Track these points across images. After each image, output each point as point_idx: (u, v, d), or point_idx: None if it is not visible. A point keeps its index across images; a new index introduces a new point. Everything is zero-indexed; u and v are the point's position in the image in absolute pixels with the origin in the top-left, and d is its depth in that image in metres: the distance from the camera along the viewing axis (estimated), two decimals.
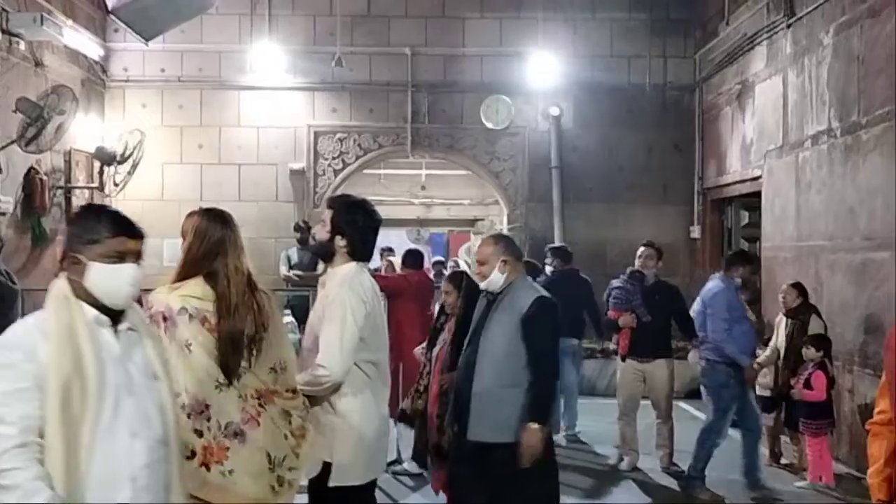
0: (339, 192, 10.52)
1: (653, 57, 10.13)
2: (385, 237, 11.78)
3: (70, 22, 8.59)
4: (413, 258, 7.04)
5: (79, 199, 9.07)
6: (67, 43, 8.51)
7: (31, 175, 7.99)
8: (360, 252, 3.22)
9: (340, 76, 9.86)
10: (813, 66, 7.00)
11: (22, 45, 7.74)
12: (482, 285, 3.73)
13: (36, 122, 7.43)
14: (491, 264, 3.64)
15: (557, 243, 8.74)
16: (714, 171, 9.70)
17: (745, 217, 9.43)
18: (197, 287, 2.79)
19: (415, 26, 10.13)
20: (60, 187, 8.73)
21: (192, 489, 2.47)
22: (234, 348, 2.71)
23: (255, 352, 2.75)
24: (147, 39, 5.71)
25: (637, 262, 6.36)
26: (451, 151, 10.33)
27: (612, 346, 6.52)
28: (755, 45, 8.29)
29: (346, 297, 3.07)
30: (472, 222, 13.68)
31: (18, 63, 7.81)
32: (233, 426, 2.66)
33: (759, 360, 6.14)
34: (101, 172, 9.34)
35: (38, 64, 8.20)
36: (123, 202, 9.36)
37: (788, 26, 7.48)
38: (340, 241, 3.17)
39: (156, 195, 9.82)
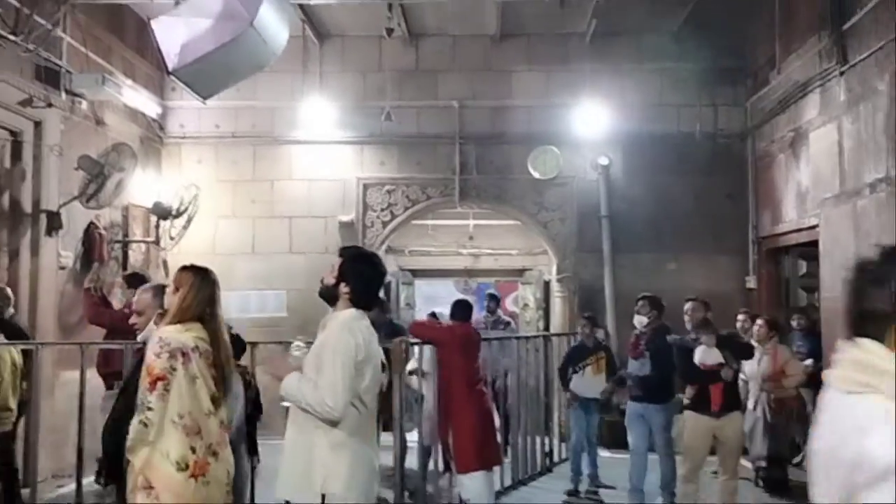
0: (384, 244, 10.61)
1: (702, 105, 10.07)
2: (432, 287, 11.85)
3: (130, 81, 8.90)
4: (461, 310, 6.94)
5: (135, 253, 9.30)
6: (127, 102, 8.80)
7: (90, 230, 8.22)
8: (362, 300, 3.51)
9: (389, 129, 10.00)
10: (868, 113, 6.87)
11: (84, 105, 8.04)
12: None
13: (96, 178, 7.67)
14: None
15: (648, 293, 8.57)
16: (769, 219, 9.52)
17: (803, 266, 9.21)
18: (202, 330, 3.43)
19: (462, 80, 10.27)
20: (118, 241, 8.96)
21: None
22: (224, 383, 3.47)
23: (225, 387, 3.48)
24: (205, 98, 5.87)
25: (685, 317, 6.37)
26: (499, 202, 10.35)
27: (685, 398, 6.37)
28: (808, 92, 8.18)
29: (347, 339, 3.34)
30: (521, 272, 13.60)
31: (80, 122, 8.11)
32: (213, 446, 3.35)
33: None
34: (157, 226, 9.57)
35: (99, 122, 8.49)
36: (178, 255, 9.56)
37: (841, 73, 7.38)
38: (344, 288, 3.46)
39: (209, 249, 10.00)
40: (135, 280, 6.66)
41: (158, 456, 3.21)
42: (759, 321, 7.52)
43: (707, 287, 8.97)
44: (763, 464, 7.46)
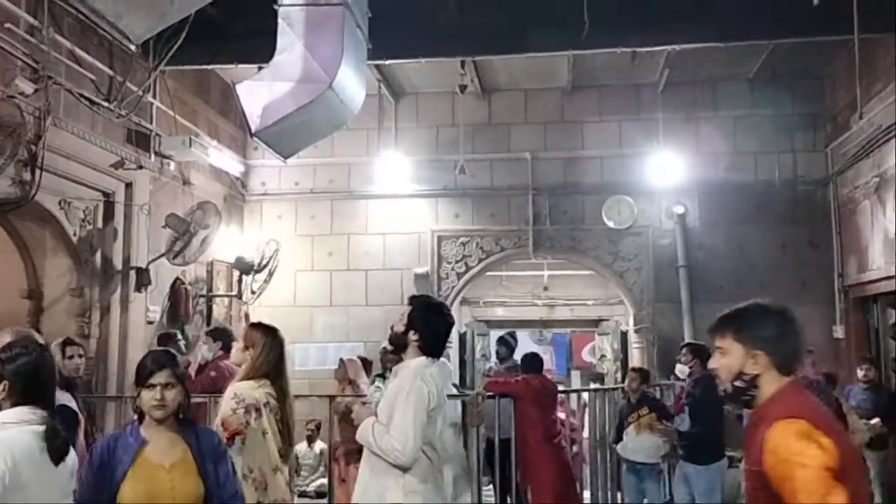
0: (459, 295, 10.65)
1: (780, 152, 9.88)
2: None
3: (215, 142, 9.29)
4: (531, 363, 6.92)
5: (219, 308, 9.59)
6: (212, 162, 9.18)
7: (176, 285, 8.54)
8: (431, 347, 3.58)
9: (462, 182, 10.12)
10: None
11: (172, 166, 8.42)
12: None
13: (183, 236, 7.98)
14: None
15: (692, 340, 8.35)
16: (855, 267, 9.19)
17: (893, 315, 8.83)
18: (272, 387, 3.66)
19: (534, 132, 10.35)
20: (203, 296, 9.26)
21: None
22: (290, 439, 3.67)
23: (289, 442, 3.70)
24: (286, 157, 6.08)
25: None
26: (574, 252, 10.30)
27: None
28: (891, 136, 7.95)
29: (419, 386, 3.41)
30: (597, 322, 13.43)
31: (168, 182, 8.48)
32: (278, 502, 3.55)
33: None
34: (239, 281, 9.87)
35: (186, 182, 8.87)
36: (259, 309, 9.81)
37: None
38: (413, 336, 3.55)
39: (289, 301, 10.23)
40: (218, 334, 6.87)
41: None
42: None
43: None
44: None
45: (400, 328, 3.60)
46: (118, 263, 7.68)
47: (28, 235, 7.13)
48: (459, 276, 10.32)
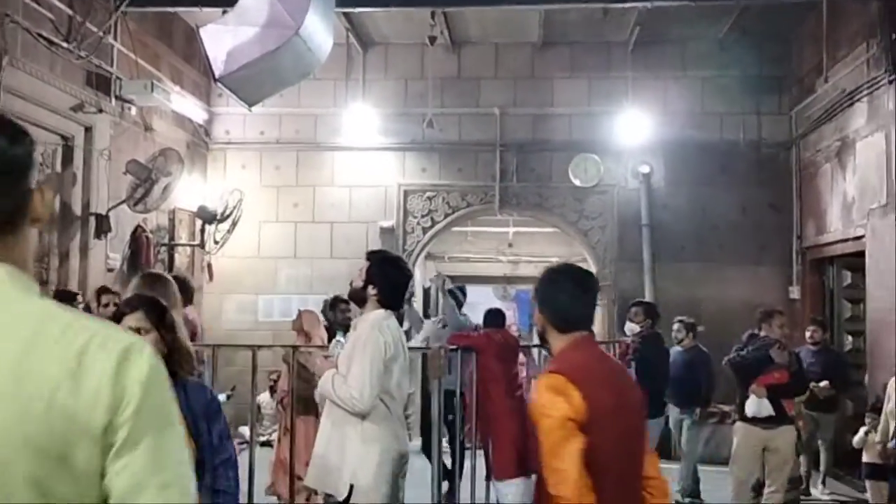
0: (424, 250, 10.66)
1: (746, 114, 9.96)
2: (472, 294, 11.83)
3: (177, 88, 9.09)
4: (494, 318, 6.97)
5: (181, 257, 9.48)
6: (175, 108, 9.00)
7: (137, 233, 8.41)
8: (389, 301, 3.66)
9: (430, 136, 10.06)
10: None
11: (133, 111, 8.24)
12: None
13: (144, 183, 7.85)
14: None
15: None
16: (813, 230, 9.37)
17: (848, 277, 9.04)
18: None
19: (504, 87, 10.29)
20: (164, 244, 9.15)
21: None
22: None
23: None
24: (250, 105, 5.99)
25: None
26: (539, 210, 10.34)
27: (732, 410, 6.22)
28: (855, 101, 8.05)
29: (376, 337, 3.49)
30: None
31: (129, 127, 8.31)
32: None
33: (867, 428, 5.87)
34: (202, 230, 9.75)
35: (148, 128, 8.69)
36: (222, 259, 9.73)
37: (890, 82, 7.25)
38: (372, 290, 3.61)
39: (253, 252, 10.15)
40: (151, 279, 6.57)
41: None
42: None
43: (749, 297, 8.88)
44: None
45: (359, 283, 3.67)
46: (77, 209, 7.54)
47: None
48: (425, 230, 10.32)
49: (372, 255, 3.84)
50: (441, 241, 11.38)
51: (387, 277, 3.66)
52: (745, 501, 6.00)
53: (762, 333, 6.13)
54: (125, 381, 1.04)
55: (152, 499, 1.03)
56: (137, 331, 2.55)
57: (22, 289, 1.11)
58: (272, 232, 10.34)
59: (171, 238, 9.30)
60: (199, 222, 9.72)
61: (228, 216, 9.72)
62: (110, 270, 7.97)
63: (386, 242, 10.16)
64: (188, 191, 9.31)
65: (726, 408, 9.17)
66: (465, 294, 8.69)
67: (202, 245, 9.77)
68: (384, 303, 3.64)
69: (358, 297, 3.69)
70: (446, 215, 10.33)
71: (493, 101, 10.24)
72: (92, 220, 7.63)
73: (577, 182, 9.98)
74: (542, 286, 2.65)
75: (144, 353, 1.08)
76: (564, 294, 2.56)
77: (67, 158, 7.44)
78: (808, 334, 7.72)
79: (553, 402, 2.30)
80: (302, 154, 10.39)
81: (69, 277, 7.40)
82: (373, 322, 3.58)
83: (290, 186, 10.38)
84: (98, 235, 7.66)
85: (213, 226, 9.71)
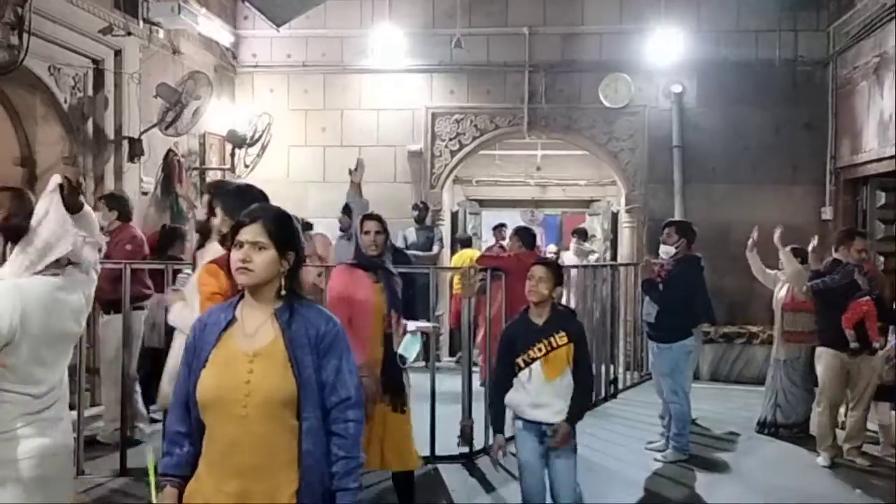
0: (452, 173, 10.63)
1: (782, 31, 9.69)
2: (499, 217, 11.84)
3: (204, 10, 9.01)
4: (524, 237, 6.93)
5: (209, 180, 9.56)
6: (202, 31, 8.94)
7: (169, 157, 8.49)
8: None
9: (458, 58, 9.92)
10: None
11: (161, 34, 8.21)
12: None
13: (175, 106, 7.88)
14: None
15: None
16: (848, 149, 9.21)
17: (882, 198, 8.93)
18: None
19: (533, 5, 10.07)
20: (195, 168, 9.23)
21: None
22: None
23: None
24: (278, 25, 5.94)
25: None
26: (569, 132, 10.24)
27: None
28: (894, 15, 7.79)
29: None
30: (588, 203, 13.49)
31: (158, 51, 8.29)
32: None
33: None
34: (232, 154, 9.81)
35: (176, 51, 8.67)
36: (253, 183, 9.79)
37: None
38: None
39: (282, 176, 10.20)
40: (114, 202, 6.43)
41: None
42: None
43: (781, 218, 8.72)
44: None
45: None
46: (110, 133, 7.61)
47: (19, 102, 7.02)
48: (453, 153, 10.29)
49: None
50: (469, 164, 11.34)
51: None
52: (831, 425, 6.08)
53: (837, 257, 6.10)
54: None
55: None
56: (255, 245, 2.19)
57: None
58: (301, 156, 10.37)
59: (202, 162, 9.38)
60: (229, 146, 9.77)
61: (258, 140, 9.75)
62: (144, 194, 8.08)
63: (413, 166, 10.17)
64: (217, 115, 9.33)
65: (753, 328, 9.27)
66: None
67: (233, 169, 9.84)
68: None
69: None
70: (474, 138, 10.28)
71: (522, 20, 10.04)
72: (125, 143, 7.70)
73: (607, 103, 9.85)
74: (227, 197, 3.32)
75: None
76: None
77: (98, 82, 7.47)
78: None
79: (207, 281, 2.99)
80: (329, 77, 10.32)
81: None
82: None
83: (318, 110, 10.35)
84: (131, 159, 7.74)
85: (242, 150, 9.76)
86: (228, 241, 2.38)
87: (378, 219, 4.31)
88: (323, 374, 2.20)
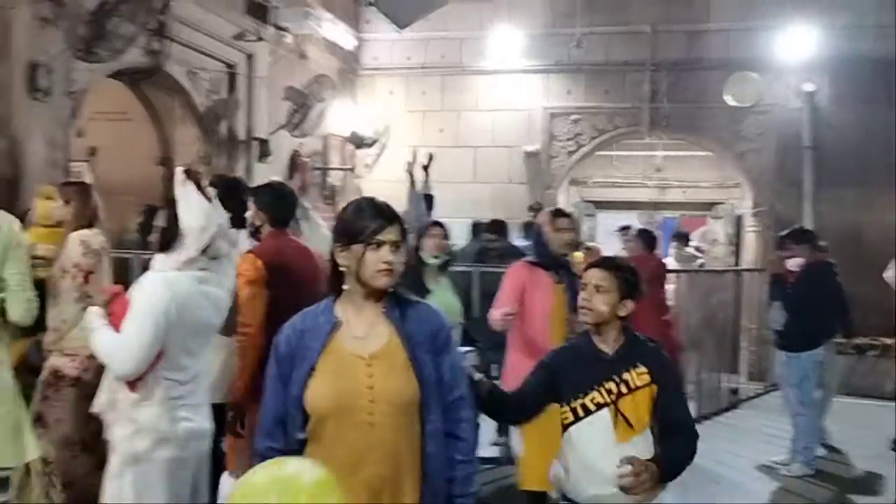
0: (569, 174, 10.54)
1: None
2: (615, 220, 11.62)
3: (329, 15, 9.30)
4: (649, 238, 6.82)
5: (332, 180, 9.86)
6: (326, 35, 9.23)
7: (294, 157, 8.80)
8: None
9: (576, 57, 9.83)
10: None
11: (288, 39, 8.52)
12: None
13: (301, 108, 8.16)
14: None
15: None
16: None
17: None
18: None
19: (656, 3, 9.84)
20: (318, 168, 9.52)
21: None
22: None
23: None
24: (402, 27, 6.07)
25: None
26: (692, 132, 9.97)
27: None
28: None
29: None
30: (710, 206, 13.05)
31: (285, 55, 8.61)
32: None
33: None
34: (353, 155, 10.08)
35: (302, 55, 8.97)
36: (371, 183, 10.03)
37: None
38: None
39: (399, 176, 10.34)
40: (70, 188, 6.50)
41: None
42: None
43: None
44: None
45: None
46: (241, 134, 7.96)
47: (159, 105, 7.45)
48: (570, 154, 10.20)
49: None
50: (585, 165, 11.20)
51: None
52: None
53: None
54: None
55: None
56: (396, 244, 2.06)
57: None
58: (422, 153, 10.48)
59: (325, 162, 9.66)
60: (350, 147, 10.03)
61: (377, 141, 9.96)
62: None
63: (529, 167, 10.14)
64: (339, 116, 9.59)
65: (888, 340, 8.74)
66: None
67: (353, 169, 10.10)
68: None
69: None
70: (592, 139, 10.15)
71: (645, 17, 9.83)
72: (254, 144, 8.04)
73: (733, 102, 9.50)
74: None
75: None
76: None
77: (231, 85, 7.83)
78: None
79: (245, 269, 3.32)
80: (447, 78, 10.43)
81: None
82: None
83: (436, 111, 10.48)
84: (261, 159, 8.07)
85: (363, 151, 10.00)
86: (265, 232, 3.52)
87: (571, 217, 4.19)
88: (440, 372, 2.09)
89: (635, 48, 9.85)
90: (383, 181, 10.03)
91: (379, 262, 2.03)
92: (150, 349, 2.57)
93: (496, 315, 3.91)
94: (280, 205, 3.70)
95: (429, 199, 7.37)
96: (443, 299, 4.32)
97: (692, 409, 6.90)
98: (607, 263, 2.62)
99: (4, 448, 3.15)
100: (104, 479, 2.69)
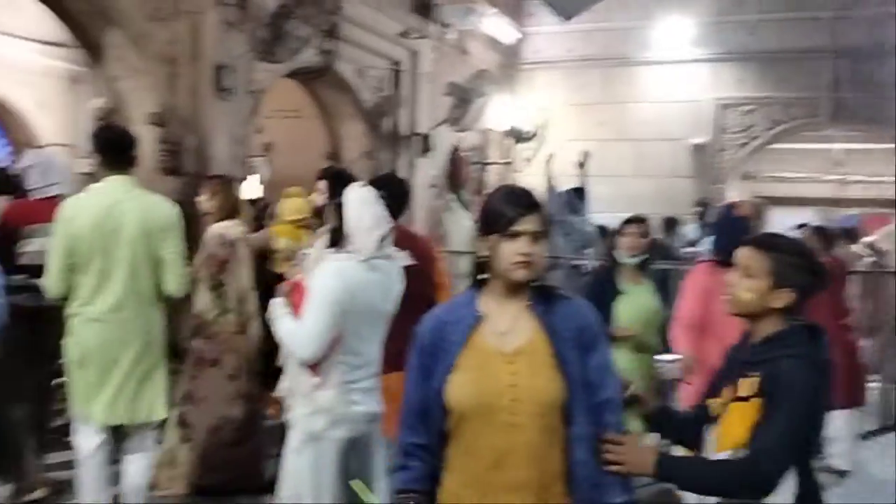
0: (740, 168, 10.07)
1: None
2: (790, 217, 10.95)
3: (491, 10, 9.35)
4: (827, 235, 6.39)
5: (490, 175, 9.92)
6: (488, 30, 9.28)
7: (454, 152, 8.93)
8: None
9: (749, 46, 9.35)
10: None
11: (451, 35, 8.64)
12: None
13: (462, 104, 8.27)
14: None
15: None
16: None
17: None
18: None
19: None
20: (476, 163, 9.61)
21: None
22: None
23: None
24: (568, 17, 6.00)
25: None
26: (875, 123, 9.24)
27: None
28: None
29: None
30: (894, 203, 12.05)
31: (447, 51, 8.74)
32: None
33: None
34: (511, 149, 10.10)
35: (464, 51, 9.08)
36: (529, 177, 10.00)
37: None
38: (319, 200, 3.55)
39: (561, 170, 10.27)
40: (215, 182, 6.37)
41: None
42: None
43: None
44: None
45: (322, 200, 3.50)
46: (404, 130, 8.17)
47: (329, 102, 7.78)
48: (741, 146, 9.72)
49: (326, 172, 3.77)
50: (756, 159, 10.66)
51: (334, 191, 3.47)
52: None
53: None
54: None
55: None
56: (536, 235, 1.91)
57: None
58: (577, 150, 10.35)
59: (484, 157, 9.74)
60: (508, 141, 10.05)
61: (536, 135, 9.93)
62: (433, 186, 8.57)
63: (696, 160, 9.77)
64: (499, 111, 9.62)
65: None
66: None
67: (512, 164, 10.12)
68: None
69: (319, 213, 3.60)
70: (766, 130, 9.63)
71: (824, 3, 9.21)
72: (416, 139, 8.23)
73: None
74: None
75: None
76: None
77: (396, 82, 8.05)
78: None
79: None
80: (609, 70, 10.22)
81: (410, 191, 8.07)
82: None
83: (596, 104, 10.29)
84: (422, 153, 8.25)
85: (521, 145, 10.00)
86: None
87: None
88: (587, 371, 1.94)
89: (812, 34, 9.24)
90: (541, 175, 9.99)
91: (515, 253, 1.89)
92: (326, 334, 2.71)
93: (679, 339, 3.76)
94: (398, 197, 3.66)
95: (580, 194, 7.13)
96: (638, 302, 4.05)
97: (869, 422, 6.47)
98: (760, 242, 2.11)
99: (158, 400, 3.43)
100: (283, 455, 2.87)
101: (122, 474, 3.47)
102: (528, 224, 1.90)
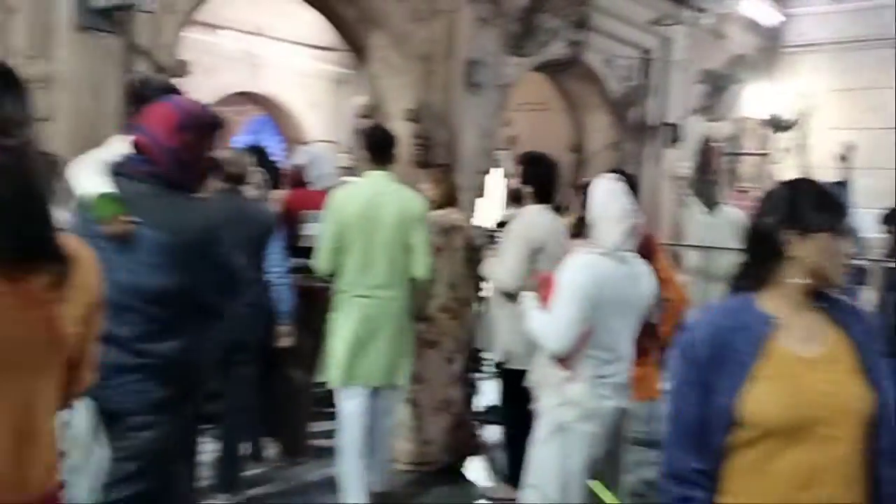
0: None
1: None
2: None
3: None
4: None
5: (744, 166, 9.36)
6: (747, 13, 8.76)
7: (705, 142, 8.54)
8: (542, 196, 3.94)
9: None
10: None
11: (707, 19, 8.26)
12: None
13: (716, 91, 7.89)
14: None
15: None
16: None
17: None
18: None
19: None
20: (729, 154, 9.11)
21: None
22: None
23: None
24: None
25: None
26: None
27: None
28: None
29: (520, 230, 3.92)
30: None
31: (701, 37, 8.36)
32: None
33: None
34: (769, 139, 9.46)
35: (719, 36, 8.64)
36: (789, 169, 9.32)
37: None
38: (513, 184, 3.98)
39: (824, 163, 9.48)
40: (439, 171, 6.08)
41: None
42: None
43: None
44: None
45: (517, 184, 4.10)
46: (652, 120, 7.95)
47: (575, 94, 7.76)
48: None
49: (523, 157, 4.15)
50: None
51: (527, 175, 3.93)
52: None
53: None
54: None
55: None
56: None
57: None
58: (841, 140, 9.47)
59: (738, 147, 9.22)
60: (766, 131, 9.43)
61: (797, 123, 9.22)
62: (681, 178, 8.27)
63: None
64: (756, 98, 9.06)
65: None
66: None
67: (768, 154, 9.48)
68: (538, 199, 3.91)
69: (517, 197, 4.07)
70: None
71: None
72: (665, 130, 7.97)
73: None
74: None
75: None
76: None
77: (645, 71, 7.84)
78: None
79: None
80: (881, 52, 9.18)
81: (641, 184, 7.87)
82: (522, 217, 3.92)
83: (866, 89, 9.31)
84: (670, 144, 7.98)
85: (781, 135, 9.34)
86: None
87: None
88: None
89: None
90: (799, 165, 9.27)
91: (839, 254, 1.77)
92: (575, 327, 2.73)
93: None
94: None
95: (842, 188, 6.65)
96: None
97: None
98: None
99: (406, 366, 3.80)
100: (530, 445, 2.93)
101: (373, 430, 3.77)
102: (845, 223, 1.81)
